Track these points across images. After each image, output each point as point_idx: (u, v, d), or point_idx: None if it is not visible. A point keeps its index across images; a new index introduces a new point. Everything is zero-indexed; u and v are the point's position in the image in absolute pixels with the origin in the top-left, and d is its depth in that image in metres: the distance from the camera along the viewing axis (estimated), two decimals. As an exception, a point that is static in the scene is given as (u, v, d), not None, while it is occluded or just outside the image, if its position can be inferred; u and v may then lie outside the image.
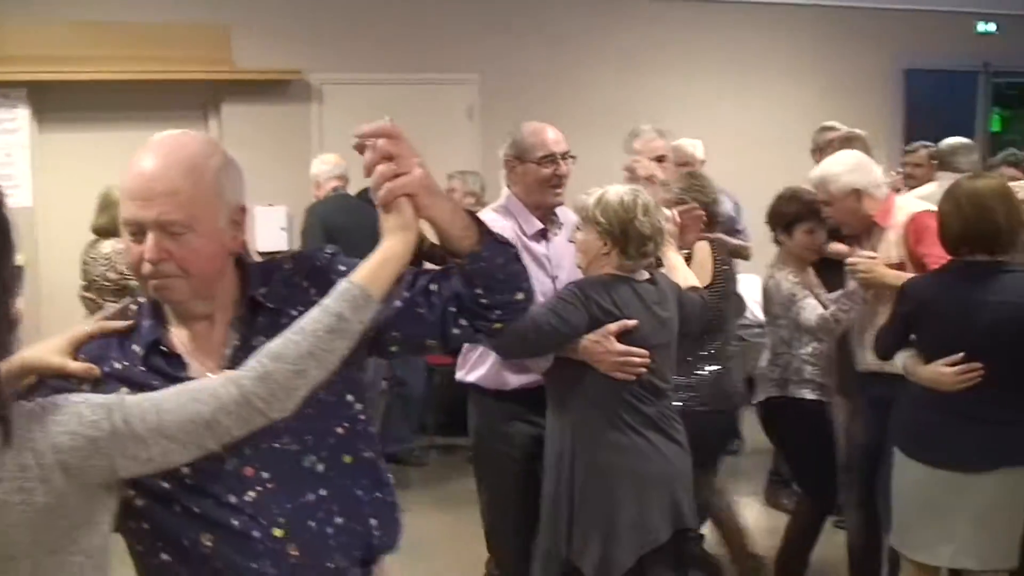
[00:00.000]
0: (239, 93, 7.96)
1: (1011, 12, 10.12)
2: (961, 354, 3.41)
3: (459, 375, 3.85)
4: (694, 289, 3.72)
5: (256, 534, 1.81)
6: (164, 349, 1.87)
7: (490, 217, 3.48)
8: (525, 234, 3.66)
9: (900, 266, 3.98)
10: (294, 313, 1.84)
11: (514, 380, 3.67)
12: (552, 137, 3.69)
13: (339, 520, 1.90)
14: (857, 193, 4.11)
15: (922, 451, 3.53)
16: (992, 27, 10.18)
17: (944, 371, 3.44)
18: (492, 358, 3.63)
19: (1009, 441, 3.42)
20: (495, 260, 1.94)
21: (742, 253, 5.52)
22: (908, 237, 4.02)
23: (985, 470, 3.41)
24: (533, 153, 3.66)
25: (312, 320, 1.75)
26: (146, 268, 1.80)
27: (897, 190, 5.32)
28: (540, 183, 3.68)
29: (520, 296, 2.00)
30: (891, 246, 4.06)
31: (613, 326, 3.26)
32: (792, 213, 4.34)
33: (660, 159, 4.88)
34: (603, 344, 3.27)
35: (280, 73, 8.03)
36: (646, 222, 3.33)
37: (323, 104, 8.22)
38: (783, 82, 9.45)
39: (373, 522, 1.96)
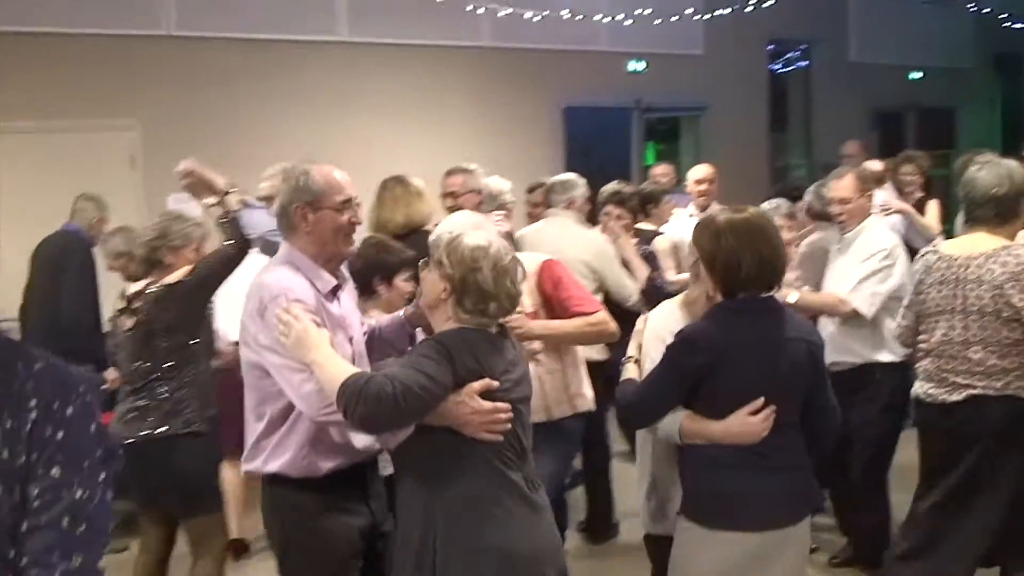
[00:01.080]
0: None
1: (657, 51, 10.91)
2: (761, 399, 3.17)
3: (251, 466, 3.30)
4: None
5: None
6: None
7: (281, 275, 3.17)
8: (320, 293, 3.24)
9: (533, 315, 3.97)
10: None
11: (326, 464, 3.22)
12: (345, 179, 3.29)
13: None
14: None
15: (733, 518, 3.20)
16: (642, 65, 10.91)
17: (752, 420, 3.18)
18: (296, 441, 3.19)
19: (804, 486, 3.32)
20: None
21: None
22: (544, 284, 4.05)
23: (797, 521, 3.25)
24: (330, 198, 3.22)
25: None
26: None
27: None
28: (336, 232, 3.24)
29: None
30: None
31: (476, 385, 2.95)
32: (394, 263, 4.14)
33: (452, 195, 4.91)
34: (468, 404, 2.95)
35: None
36: (490, 279, 3.03)
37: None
38: (457, 122, 9.73)
39: None
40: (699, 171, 7.27)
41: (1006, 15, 13.63)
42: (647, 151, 11.54)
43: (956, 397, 3.97)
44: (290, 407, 3.13)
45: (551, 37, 9.98)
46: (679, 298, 3.60)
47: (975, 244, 3.98)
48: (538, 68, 10.16)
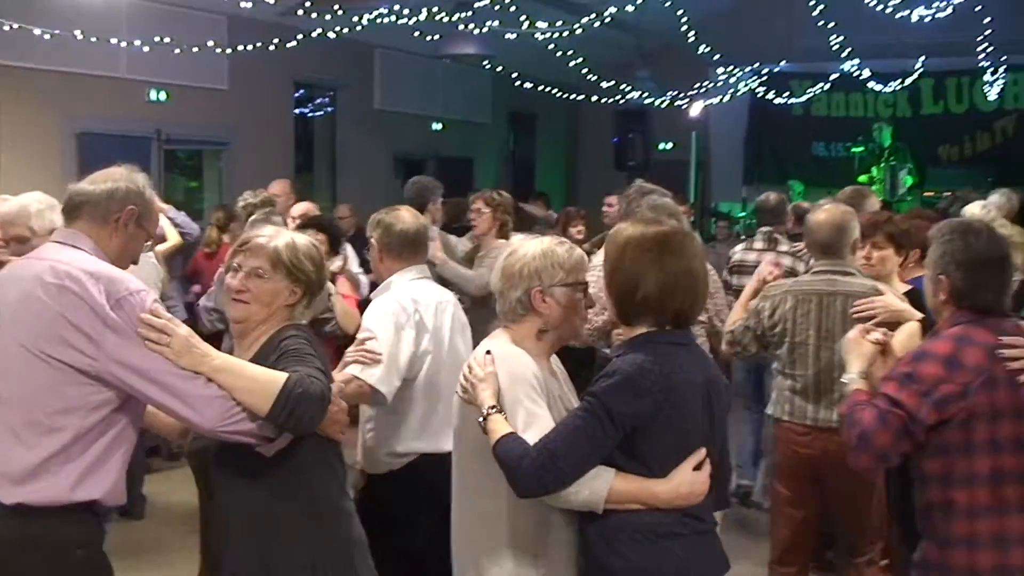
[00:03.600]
0: None
1: (180, 83, 10.95)
2: (703, 450, 2.83)
3: (36, 495, 2.83)
4: None
5: None
6: None
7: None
8: None
9: None
10: None
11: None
12: None
13: None
14: None
15: None
16: (163, 96, 10.90)
17: (699, 477, 2.81)
18: (119, 462, 2.95)
19: (721, 549, 2.99)
20: None
21: None
22: None
23: None
24: None
25: None
26: None
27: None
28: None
29: None
30: None
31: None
32: None
33: None
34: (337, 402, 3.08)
35: None
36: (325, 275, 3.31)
37: None
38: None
39: None
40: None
41: (518, 77, 15.06)
42: (170, 183, 11.50)
43: None
44: (111, 420, 2.89)
45: (64, 58, 9.72)
46: (504, 337, 3.08)
47: None
48: (49, 89, 9.85)
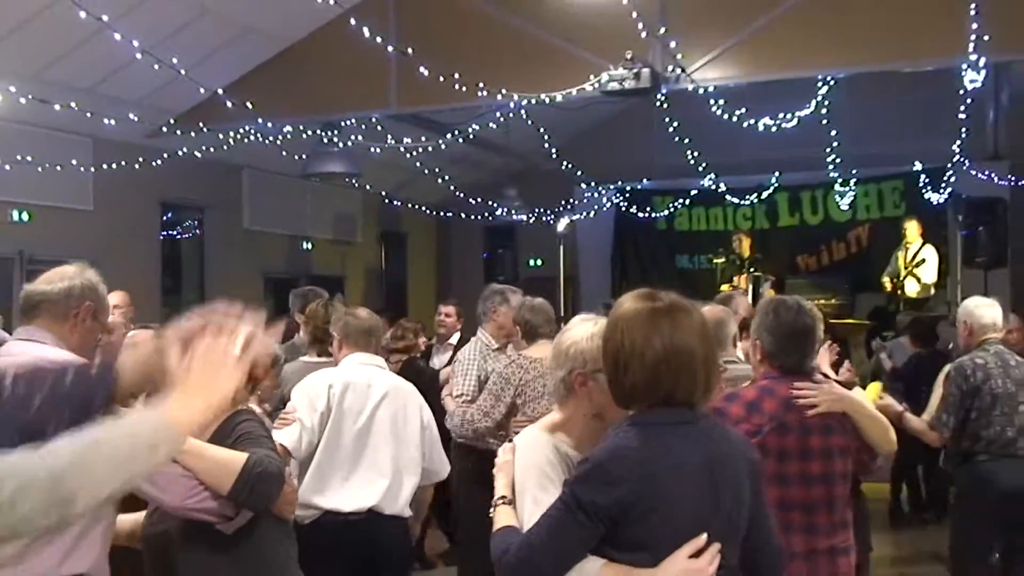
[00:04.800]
0: None
1: (43, 203, 10.95)
2: (704, 535, 2.60)
3: (43, 571, 2.90)
4: None
5: None
6: None
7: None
8: None
9: None
10: None
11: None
12: None
13: None
14: None
15: None
16: (26, 216, 10.88)
17: (695, 565, 2.59)
18: (102, 535, 2.98)
19: None
20: None
21: None
22: None
23: None
24: None
25: None
26: None
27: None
28: None
29: None
30: None
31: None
32: None
33: None
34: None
35: None
36: None
37: None
38: None
39: None
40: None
41: (387, 196, 15.41)
42: None
43: None
44: None
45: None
46: (543, 422, 2.99)
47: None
48: None
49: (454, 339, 8.75)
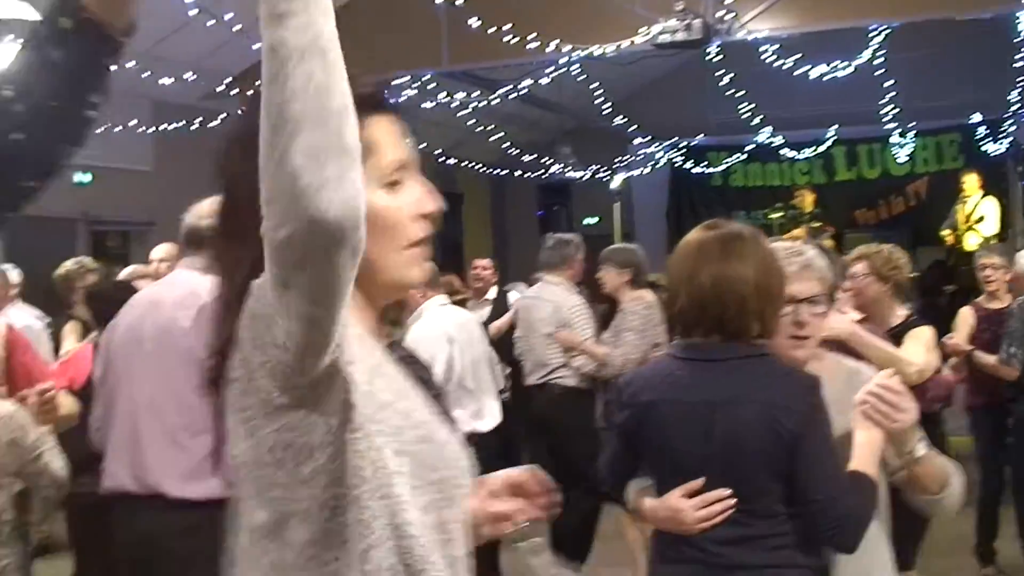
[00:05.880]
0: None
1: (105, 165, 11.20)
2: (701, 480, 2.57)
3: (178, 490, 3.30)
4: None
5: None
6: None
7: None
8: None
9: None
10: None
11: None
12: None
13: None
14: None
15: None
16: (88, 177, 11.13)
17: (680, 504, 2.58)
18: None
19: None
20: None
21: None
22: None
23: None
24: None
25: None
26: None
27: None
28: None
29: None
30: None
31: None
32: None
33: None
34: None
35: None
36: None
37: None
38: None
39: None
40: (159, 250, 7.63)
41: (442, 154, 15.50)
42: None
43: None
44: None
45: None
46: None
47: None
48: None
49: (491, 293, 8.52)
